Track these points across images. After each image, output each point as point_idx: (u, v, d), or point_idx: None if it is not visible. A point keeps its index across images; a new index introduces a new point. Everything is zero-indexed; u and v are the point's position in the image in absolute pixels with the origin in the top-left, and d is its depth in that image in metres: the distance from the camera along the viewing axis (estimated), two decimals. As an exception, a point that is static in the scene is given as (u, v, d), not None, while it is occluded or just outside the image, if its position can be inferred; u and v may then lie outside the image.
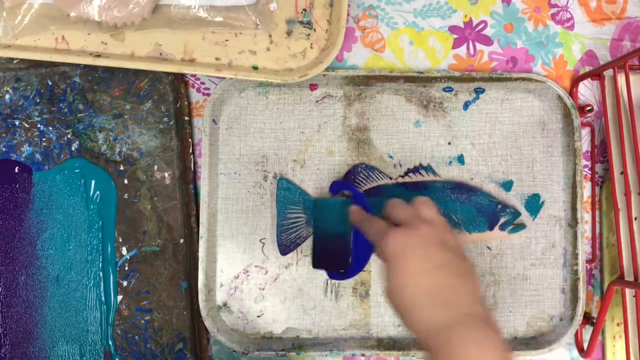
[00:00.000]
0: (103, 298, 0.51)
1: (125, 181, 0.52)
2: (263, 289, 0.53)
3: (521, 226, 0.54)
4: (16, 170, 0.52)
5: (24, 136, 0.52)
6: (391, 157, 0.54)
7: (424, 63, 0.56)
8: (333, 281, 0.53)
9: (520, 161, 0.54)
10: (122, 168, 0.52)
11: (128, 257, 0.51)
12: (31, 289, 0.51)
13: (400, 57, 0.55)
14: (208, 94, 0.55)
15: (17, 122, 0.52)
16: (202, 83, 0.55)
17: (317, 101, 0.54)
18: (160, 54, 0.50)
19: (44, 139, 0.52)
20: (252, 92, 0.54)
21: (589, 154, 0.56)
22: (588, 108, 0.54)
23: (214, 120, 0.53)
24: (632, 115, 0.51)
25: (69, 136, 0.52)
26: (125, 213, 0.52)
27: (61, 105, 0.52)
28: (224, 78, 0.52)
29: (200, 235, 0.51)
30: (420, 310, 0.38)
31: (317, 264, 0.49)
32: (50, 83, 0.52)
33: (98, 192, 0.52)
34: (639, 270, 0.48)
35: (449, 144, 0.54)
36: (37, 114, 0.52)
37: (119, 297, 0.51)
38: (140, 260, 0.51)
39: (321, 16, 0.52)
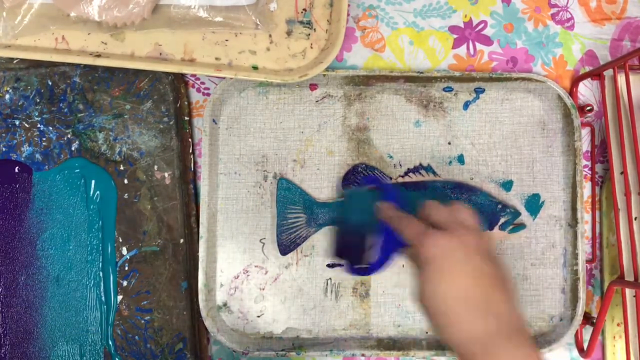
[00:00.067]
0: (103, 298, 0.51)
1: (125, 181, 0.52)
2: (263, 289, 0.53)
3: (521, 226, 0.54)
4: (16, 170, 0.52)
5: (24, 136, 0.52)
6: (391, 157, 0.54)
7: (424, 63, 0.56)
8: (333, 281, 0.53)
9: (520, 161, 0.54)
10: (122, 168, 0.52)
11: (128, 257, 0.51)
12: (31, 289, 0.51)
13: (400, 57, 0.55)
14: (208, 94, 0.55)
15: (17, 122, 0.52)
16: (202, 83, 0.55)
17: (317, 101, 0.54)
18: (160, 54, 0.50)
19: (44, 139, 0.52)
20: (252, 92, 0.54)
21: (589, 154, 0.56)
22: (588, 108, 0.54)
23: (214, 120, 0.53)
24: (632, 115, 0.51)
25: (69, 136, 0.52)
26: (125, 213, 0.52)
27: (61, 105, 0.52)
28: (224, 78, 0.52)
29: (200, 235, 0.51)
30: (459, 317, 0.37)
31: (338, 253, 0.49)
32: (50, 83, 0.52)
33: (98, 192, 0.52)
34: (639, 270, 0.48)
35: (449, 143, 0.54)
36: (37, 113, 0.52)
37: (119, 297, 0.51)
38: (140, 260, 0.51)
39: (321, 16, 0.52)
